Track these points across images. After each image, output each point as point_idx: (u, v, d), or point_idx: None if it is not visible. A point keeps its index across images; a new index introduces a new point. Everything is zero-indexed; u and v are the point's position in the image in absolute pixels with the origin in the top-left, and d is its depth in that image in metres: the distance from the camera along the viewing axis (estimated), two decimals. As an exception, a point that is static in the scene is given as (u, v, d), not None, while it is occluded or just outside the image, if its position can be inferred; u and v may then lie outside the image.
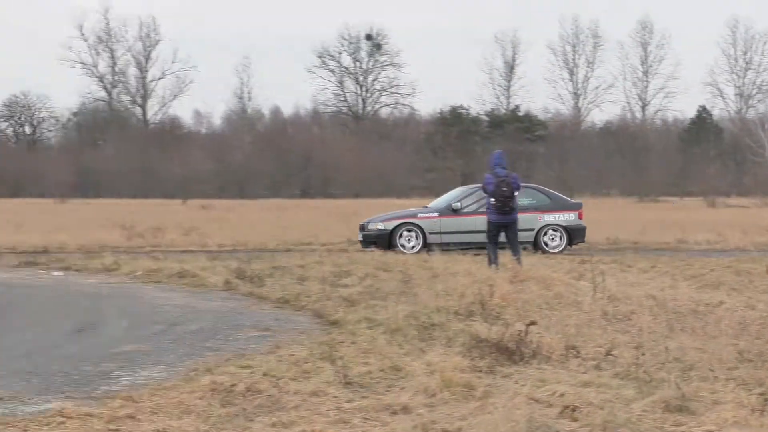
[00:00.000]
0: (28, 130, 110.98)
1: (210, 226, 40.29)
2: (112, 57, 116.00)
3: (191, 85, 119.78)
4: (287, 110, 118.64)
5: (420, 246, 31.02)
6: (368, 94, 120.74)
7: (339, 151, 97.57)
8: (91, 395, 10.44)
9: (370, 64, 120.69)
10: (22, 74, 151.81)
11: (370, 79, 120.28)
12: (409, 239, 31.38)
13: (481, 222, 26.81)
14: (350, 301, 17.24)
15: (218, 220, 45.20)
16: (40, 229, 38.52)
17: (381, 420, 9.26)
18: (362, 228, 32.30)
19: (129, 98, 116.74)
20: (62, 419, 9.16)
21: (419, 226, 31.60)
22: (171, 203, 70.64)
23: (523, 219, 27.67)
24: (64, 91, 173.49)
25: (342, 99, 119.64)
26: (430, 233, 31.36)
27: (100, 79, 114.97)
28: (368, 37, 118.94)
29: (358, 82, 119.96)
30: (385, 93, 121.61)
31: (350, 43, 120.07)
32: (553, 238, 32.05)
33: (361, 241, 32.03)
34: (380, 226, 31.67)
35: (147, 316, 16.42)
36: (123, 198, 76.09)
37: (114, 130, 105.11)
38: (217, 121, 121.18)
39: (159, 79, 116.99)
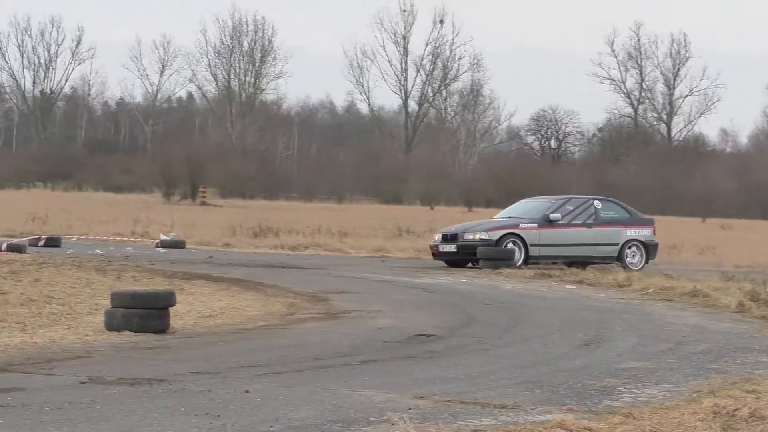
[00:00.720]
0: (553, 144, 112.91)
1: (727, 245, 39.69)
2: (641, 73, 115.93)
3: (719, 103, 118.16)
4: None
5: (522, 260, 29.32)
6: None
7: None
8: (592, 409, 10.48)
9: None
10: (554, 89, 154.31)
11: None
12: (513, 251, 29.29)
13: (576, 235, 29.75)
14: None
15: (736, 240, 44.45)
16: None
17: None
18: (451, 238, 30.45)
19: (655, 115, 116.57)
20: (562, 431, 9.26)
21: (522, 238, 29.58)
22: (689, 221, 70.02)
23: (608, 233, 30.18)
24: (591, 107, 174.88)
25: None
26: (531, 245, 29.54)
27: (627, 95, 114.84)
28: None
29: None
30: None
31: None
32: (633, 255, 30.54)
33: (449, 253, 30.32)
34: (483, 235, 29.80)
35: (654, 333, 16.36)
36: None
37: (637, 147, 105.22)
38: (743, 140, 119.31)
39: (686, 96, 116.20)
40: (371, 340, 15.16)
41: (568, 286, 24.09)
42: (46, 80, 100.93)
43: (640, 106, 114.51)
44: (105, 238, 34.50)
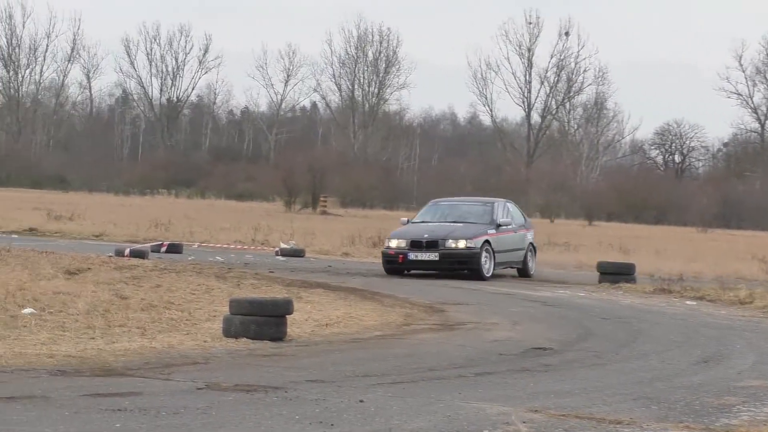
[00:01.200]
0: (677, 158, 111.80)
1: None
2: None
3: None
4: None
5: (492, 269, 27.84)
6: None
7: None
8: (710, 427, 10.37)
9: None
10: (678, 103, 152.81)
11: None
12: (485, 260, 27.31)
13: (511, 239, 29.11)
14: None
15: None
16: (680, 256, 38.80)
17: None
18: (428, 246, 27.86)
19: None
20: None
21: (490, 244, 27.69)
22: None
23: (521, 237, 30.25)
24: (717, 122, 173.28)
25: None
26: (496, 252, 27.89)
27: (754, 110, 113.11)
28: None
29: None
30: None
31: None
32: (531, 259, 30.70)
33: (426, 262, 28.17)
34: (470, 243, 27.49)
35: (776, 352, 16.15)
36: (766, 230, 74.97)
37: (764, 162, 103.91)
38: None
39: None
40: (487, 352, 15.14)
41: (688, 302, 23.85)
42: (173, 88, 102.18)
43: (767, 122, 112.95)
44: (226, 245, 34.79)
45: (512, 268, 29.57)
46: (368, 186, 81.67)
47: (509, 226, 28.97)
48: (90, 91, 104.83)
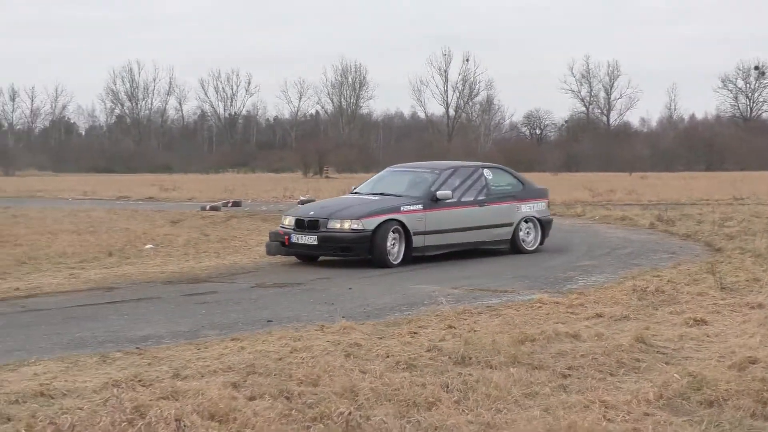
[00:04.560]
0: (537, 131, 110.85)
1: (644, 189, 39.05)
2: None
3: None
4: None
5: (401, 256, 13.32)
6: None
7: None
8: (559, 291, 10.43)
9: None
10: (538, 97, 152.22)
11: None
12: (394, 243, 13.25)
13: (467, 216, 14.21)
14: (729, 236, 16.29)
15: (650, 186, 43.64)
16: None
17: (742, 312, 8.72)
18: (310, 226, 13.32)
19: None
20: (540, 305, 9.21)
21: (404, 224, 13.38)
22: (622, 175, 69.21)
23: (501, 211, 14.77)
24: (560, 108, 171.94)
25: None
26: (416, 233, 13.47)
27: (582, 99, 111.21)
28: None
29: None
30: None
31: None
32: (528, 232, 15.12)
33: (305, 246, 13.36)
34: (355, 225, 13.10)
35: (598, 244, 16.16)
36: (591, 172, 74.85)
37: (589, 131, 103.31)
38: (653, 123, 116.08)
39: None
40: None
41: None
42: (231, 107, 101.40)
43: (590, 106, 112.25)
44: (267, 199, 34.58)
45: (496, 247, 14.85)
46: (353, 159, 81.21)
47: (450, 200, 14.02)
48: (182, 112, 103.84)
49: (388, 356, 6.63)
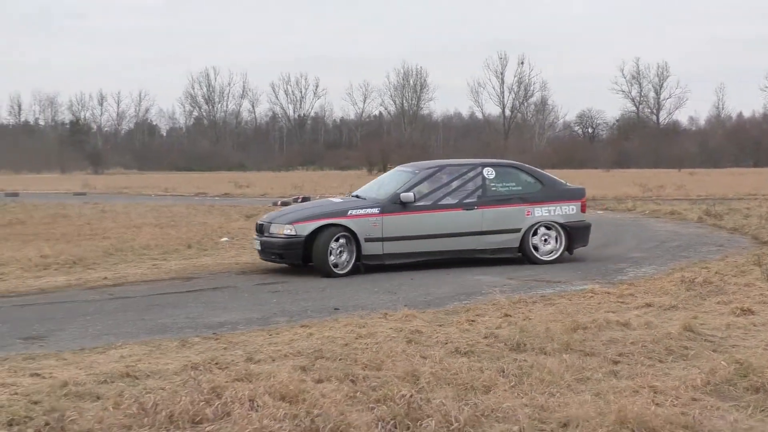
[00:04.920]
0: (590, 130, 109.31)
1: (693, 185, 38.34)
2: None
3: None
4: None
5: (352, 264, 11.34)
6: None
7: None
8: (610, 281, 10.31)
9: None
10: (590, 97, 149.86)
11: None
12: (341, 250, 11.28)
13: (446, 221, 11.81)
14: (777, 230, 15.97)
15: (698, 182, 42.83)
16: (593, 186, 38.26)
17: (790, 302, 8.54)
18: (258, 230, 11.96)
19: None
20: (592, 295, 9.12)
21: (351, 230, 11.33)
22: (672, 171, 68.11)
23: (502, 215, 12.15)
24: (611, 107, 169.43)
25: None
26: (368, 240, 11.41)
27: (632, 100, 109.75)
28: None
29: None
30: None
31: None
32: (545, 240, 12.36)
33: (258, 251, 11.89)
34: (288, 230, 11.34)
35: (648, 237, 15.93)
36: (643, 169, 73.68)
37: (639, 130, 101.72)
38: (702, 122, 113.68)
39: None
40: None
41: (598, 212, 23.48)
42: (300, 109, 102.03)
43: (640, 106, 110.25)
44: (334, 195, 34.75)
45: (499, 255, 12.19)
46: (415, 158, 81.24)
47: (420, 203, 11.64)
48: (255, 114, 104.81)
49: (447, 343, 6.63)
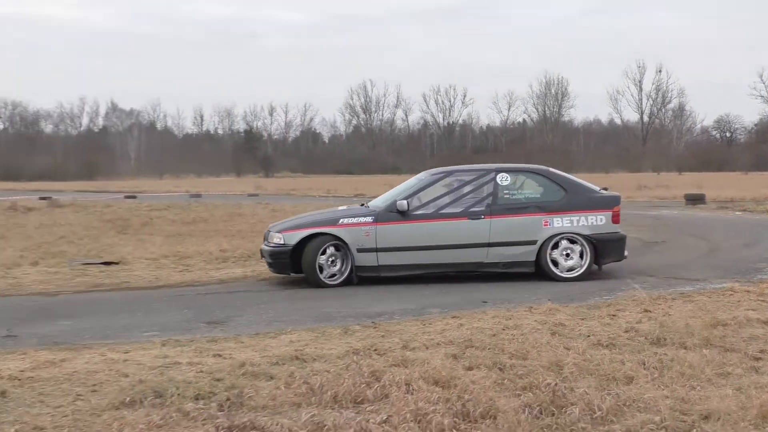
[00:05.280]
0: (728, 134, 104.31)
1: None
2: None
3: None
4: None
5: (346, 275, 9.88)
6: None
7: None
8: (750, 280, 9.81)
9: None
10: (728, 102, 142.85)
11: None
12: (333, 260, 9.87)
13: (448, 231, 9.99)
14: None
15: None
16: (731, 188, 36.47)
17: None
18: (264, 238, 10.78)
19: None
20: (731, 293, 8.71)
21: (342, 240, 9.87)
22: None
23: (514, 225, 10.15)
24: (749, 112, 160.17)
25: None
26: (360, 251, 9.87)
27: None
28: None
29: None
30: None
31: None
32: (567, 255, 10.17)
33: (268, 263, 10.35)
34: (277, 239, 10.09)
35: (789, 237, 15.10)
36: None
37: None
38: None
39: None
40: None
41: (737, 213, 22.46)
42: (449, 117, 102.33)
43: None
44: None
45: (510, 270, 10.13)
46: (557, 162, 79.93)
47: (417, 212, 9.99)
48: (408, 122, 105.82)
49: (589, 335, 6.49)
